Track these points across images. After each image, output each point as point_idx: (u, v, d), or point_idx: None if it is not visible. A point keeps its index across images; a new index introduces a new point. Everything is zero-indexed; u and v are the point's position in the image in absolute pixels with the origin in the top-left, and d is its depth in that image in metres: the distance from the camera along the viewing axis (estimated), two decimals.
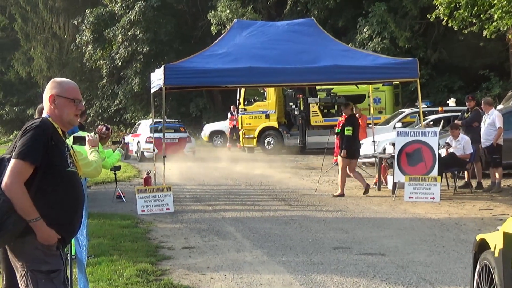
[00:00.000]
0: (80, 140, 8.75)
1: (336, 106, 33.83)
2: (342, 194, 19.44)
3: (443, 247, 12.36)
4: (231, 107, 39.46)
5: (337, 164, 25.55)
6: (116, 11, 51.26)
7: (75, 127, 14.77)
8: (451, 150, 19.50)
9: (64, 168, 5.70)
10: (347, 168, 19.64)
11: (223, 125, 41.58)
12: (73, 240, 7.82)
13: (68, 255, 7.94)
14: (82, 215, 5.97)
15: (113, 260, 11.57)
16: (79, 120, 6.57)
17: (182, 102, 49.52)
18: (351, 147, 19.78)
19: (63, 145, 5.79)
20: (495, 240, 7.16)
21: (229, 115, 39.77)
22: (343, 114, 20.27)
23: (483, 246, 7.55)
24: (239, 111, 36.03)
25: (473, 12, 25.49)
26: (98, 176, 9.54)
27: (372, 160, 23.63)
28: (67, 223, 5.74)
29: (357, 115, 27.84)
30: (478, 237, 7.75)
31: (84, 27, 52.46)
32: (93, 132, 11.72)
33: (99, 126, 11.81)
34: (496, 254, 6.99)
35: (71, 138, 10.48)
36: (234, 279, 10.42)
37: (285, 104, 35.22)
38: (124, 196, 19.67)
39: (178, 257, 12.06)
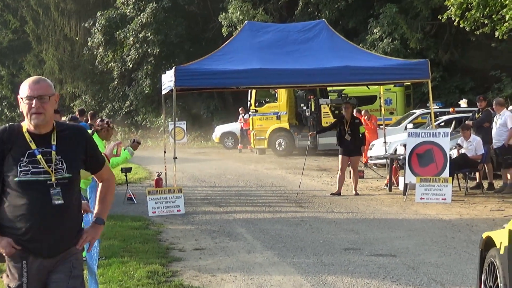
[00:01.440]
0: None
1: None
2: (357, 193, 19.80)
3: (454, 248, 12.33)
4: (240, 109, 39.51)
5: (366, 164, 25.63)
6: (128, 13, 51.35)
7: (84, 124, 14.63)
8: (462, 151, 19.45)
9: (13, 178, 5.43)
10: (343, 166, 19.92)
11: (234, 127, 41.61)
12: None
13: None
14: (51, 226, 5.47)
15: (123, 261, 11.60)
16: (88, 120, 6.53)
17: (193, 103, 49.58)
18: None
19: (20, 152, 5.48)
20: (500, 238, 7.32)
21: (240, 116, 39.90)
22: (346, 114, 20.26)
23: (489, 243, 7.70)
24: (249, 112, 35.98)
25: (485, 12, 25.42)
26: (85, 177, 9.51)
27: (383, 161, 23.60)
28: (21, 234, 5.45)
29: (365, 117, 27.91)
30: (484, 235, 7.90)
31: (95, 29, 52.56)
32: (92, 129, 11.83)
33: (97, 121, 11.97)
34: (502, 252, 7.18)
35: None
36: (245, 281, 10.42)
37: (296, 105, 35.17)
38: (135, 198, 19.69)
39: (189, 259, 12.07)
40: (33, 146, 5.48)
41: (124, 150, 12.13)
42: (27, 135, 5.52)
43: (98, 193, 5.87)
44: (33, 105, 5.45)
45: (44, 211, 5.44)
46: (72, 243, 5.60)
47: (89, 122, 21.32)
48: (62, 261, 5.57)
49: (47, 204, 5.45)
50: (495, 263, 7.36)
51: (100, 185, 5.91)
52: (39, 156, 5.46)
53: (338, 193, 19.79)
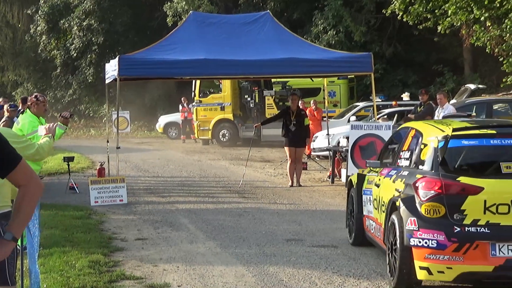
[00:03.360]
0: (41, 130, 8.71)
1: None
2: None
3: None
4: (182, 99, 39.34)
5: (309, 156, 25.68)
6: (71, 1, 50.78)
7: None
8: None
9: None
10: (292, 157, 19.94)
11: (178, 117, 41.42)
12: (24, 231, 7.75)
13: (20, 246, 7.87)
14: None
15: (65, 251, 11.52)
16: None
17: (136, 93, 49.23)
18: None
19: None
20: (354, 178, 12.44)
21: (180, 107, 39.64)
22: (293, 105, 20.32)
23: (350, 183, 12.78)
24: (194, 103, 35.83)
25: (428, 7, 25.73)
26: (43, 159, 9.45)
27: (326, 153, 23.74)
28: None
29: (313, 106, 28.04)
30: (349, 178, 13.26)
31: (38, 17, 51.88)
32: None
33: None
34: (354, 186, 12.20)
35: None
36: (187, 271, 10.44)
37: (241, 96, 35.15)
38: (77, 187, 19.53)
39: (131, 249, 12.04)
40: None
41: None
42: None
43: (14, 202, 4.83)
44: None
45: None
46: None
47: None
48: None
49: None
50: (352, 195, 12.30)
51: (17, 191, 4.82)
52: None
53: (291, 185, 19.87)
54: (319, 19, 39.24)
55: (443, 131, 9.59)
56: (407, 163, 10.11)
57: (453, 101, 25.48)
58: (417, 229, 8.94)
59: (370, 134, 18.75)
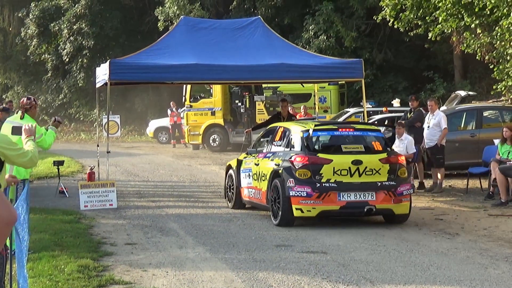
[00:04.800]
0: (18, 131, 8.59)
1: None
2: None
3: (384, 246, 12.48)
4: (171, 103, 39.34)
5: None
6: (62, 5, 50.73)
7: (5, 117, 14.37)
8: (394, 149, 19.63)
9: None
10: None
11: (169, 121, 41.47)
12: (13, 235, 7.72)
13: (8, 250, 7.84)
14: None
15: (54, 255, 11.48)
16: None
17: (127, 97, 49.26)
18: None
19: None
20: (234, 163, 17.09)
21: (169, 111, 39.61)
22: (283, 111, 20.18)
23: (229, 167, 17.42)
24: (184, 107, 35.84)
25: (419, 14, 25.77)
26: (34, 166, 9.41)
27: None
28: None
29: (302, 112, 28.04)
30: (227, 163, 17.92)
31: (29, 20, 51.82)
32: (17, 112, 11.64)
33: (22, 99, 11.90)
34: (234, 168, 16.93)
35: (10, 127, 10.32)
36: (176, 276, 10.42)
37: (231, 101, 35.16)
38: (67, 191, 19.50)
39: (120, 253, 12.01)
40: None
41: (47, 130, 11.93)
42: None
43: None
44: None
45: None
46: None
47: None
48: None
49: None
50: (232, 174, 17.04)
51: None
52: None
53: None
54: (310, 24, 39.32)
55: (305, 127, 15.00)
56: (280, 148, 15.50)
57: (443, 107, 25.54)
58: (294, 185, 14.19)
59: None
